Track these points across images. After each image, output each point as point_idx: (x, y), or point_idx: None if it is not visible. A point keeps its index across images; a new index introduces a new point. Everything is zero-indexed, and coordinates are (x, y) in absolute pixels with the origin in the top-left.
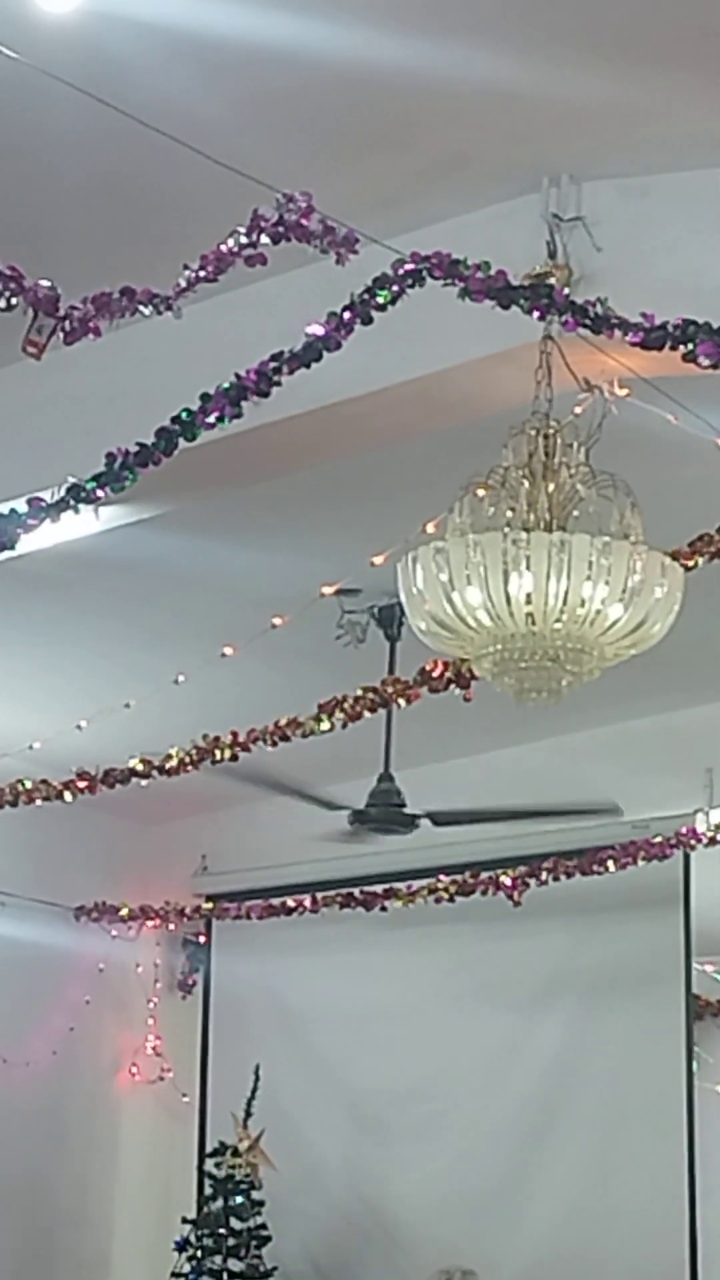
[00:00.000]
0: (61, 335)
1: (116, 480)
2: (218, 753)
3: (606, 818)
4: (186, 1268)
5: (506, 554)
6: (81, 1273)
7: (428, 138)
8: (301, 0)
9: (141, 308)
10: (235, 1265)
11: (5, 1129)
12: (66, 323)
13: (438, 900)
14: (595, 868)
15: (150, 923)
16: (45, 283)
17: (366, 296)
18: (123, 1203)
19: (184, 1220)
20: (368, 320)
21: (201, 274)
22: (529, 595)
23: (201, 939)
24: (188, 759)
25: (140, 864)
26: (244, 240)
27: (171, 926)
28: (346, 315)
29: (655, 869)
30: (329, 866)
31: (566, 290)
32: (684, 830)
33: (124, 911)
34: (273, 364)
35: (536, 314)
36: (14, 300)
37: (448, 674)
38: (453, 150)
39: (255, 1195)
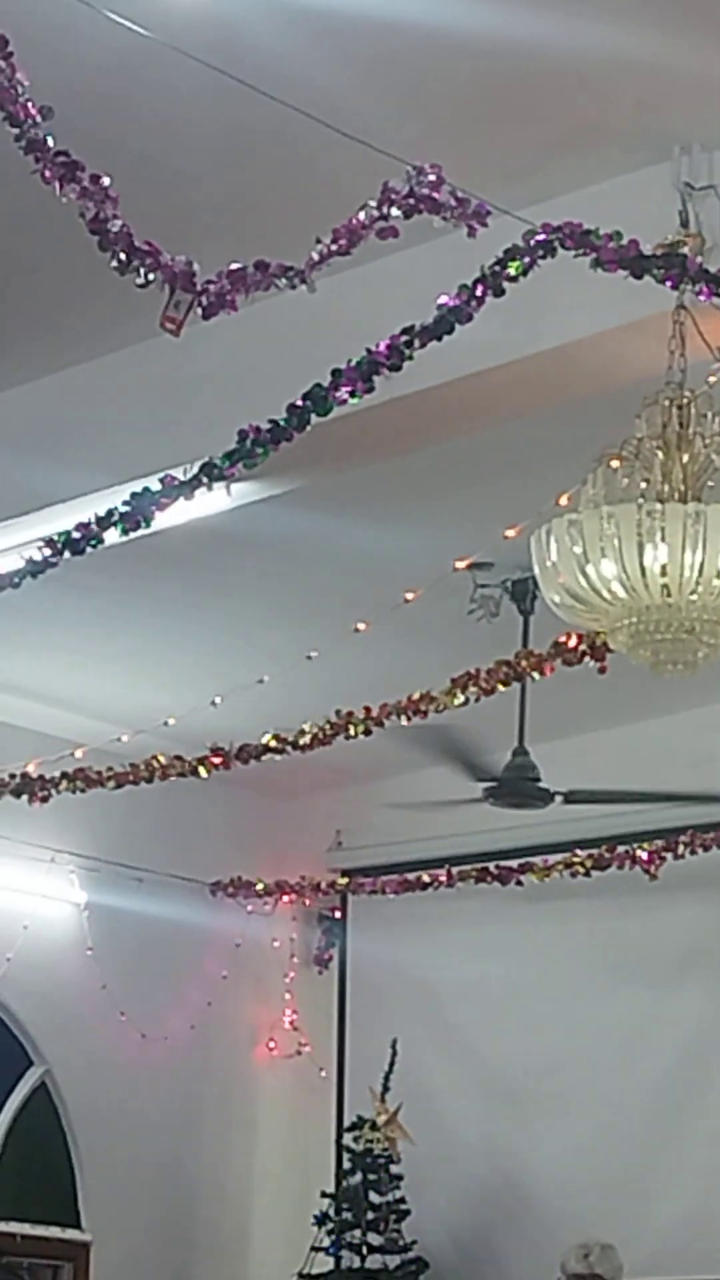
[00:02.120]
0: (199, 311)
1: (249, 457)
2: (351, 728)
3: None
4: (326, 1241)
5: (641, 526)
6: (221, 1247)
7: (557, 108)
8: None
9: (276, 281)
10: (374, 1239)
11: (144, 1103)
12: (203, 298)
13: (574, 874)
14: None
15: (286, 898)
16: (182, 258)
17: (498, 268)
18: (261, 1177)
19: (323, 1194)
20: (499, 292)
21: (334, 247)
22: (664, 567)
23: (337, 914)
24: (321, 734)
25: (275, 840)
26: (375, 213)
27: (307, 902)
28: (478, 287)
29: None
30: (464, 841)
31: (699, 259)
32: None
33: (260, 887)
34: (404, 337)
35: (669, 283)
36: (151, 276)
37: (582, 647)
38: (583, 120)
39: (393, 1169)
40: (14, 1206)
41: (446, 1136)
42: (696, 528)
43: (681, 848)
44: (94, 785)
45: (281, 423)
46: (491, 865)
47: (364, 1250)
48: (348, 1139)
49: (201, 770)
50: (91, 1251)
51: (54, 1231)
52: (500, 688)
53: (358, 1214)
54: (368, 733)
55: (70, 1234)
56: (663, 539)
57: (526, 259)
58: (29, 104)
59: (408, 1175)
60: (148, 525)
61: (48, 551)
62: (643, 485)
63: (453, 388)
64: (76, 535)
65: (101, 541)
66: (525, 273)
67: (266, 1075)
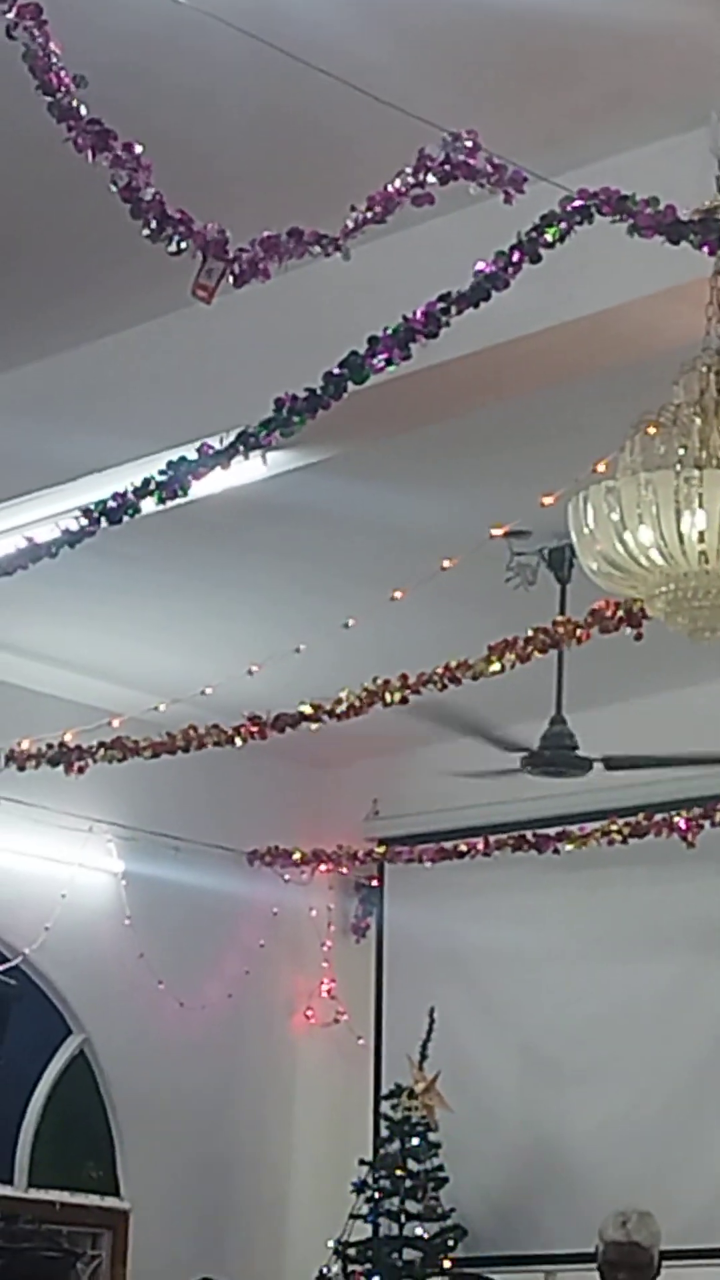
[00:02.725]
0: (231, 278)
1: (285, 426)
2: (388, 695)
3: None
4: (364, 1209)
5: (679, 492)
6: (259, 1215)
7: (594, 74)
8: None
9: (310, 249)
10: (413, 1206)
11: (183, 1072)
12: (236, 265)
13: (610, 843)
14: None
15: (323, 867)
16: (214, 226)
17: (534, 234)
18: (300, 1145)
19: (361, 1162)
20: (536, 258)
21: (369, 215)
22: (702, 533)
23: (374, 883)
24: (358, 702)
25: (312, 809)
26: (411, 180)
27: (344, 871)
28: (514, 254)
29: None
30: (501, 810)
31: None
32: None
33: (297, 856)
34: (440, 304)
35: (707, 249)
36: (183, 244)
37: (619, 614)
38: (619, 86)
39: (431, 1137)
40: (53, 1175)
41: (484, 1104)
42: None
43: (719, 815)
44: (131, 755)
45: (318, 391)
46: (529, 834)
47: (402, 1218)
48: (385, 1107)
49: (238, 739)
50: (130, 1219)
51: (93, 1200)
52: (537, 655)
53: (396, 1182)
54: (404, 701)
55: (109, 1202)
56: (700, 505)
57: (563, 225)
58: (62, 72)
59: (445, 1143)
60: (184, 494)
61: (84, 521)
62: (680, 452)
63: (490, 355)
64: (113, 504)
65: (138, 511)
66: (562, 239)
67: (304, 1044)
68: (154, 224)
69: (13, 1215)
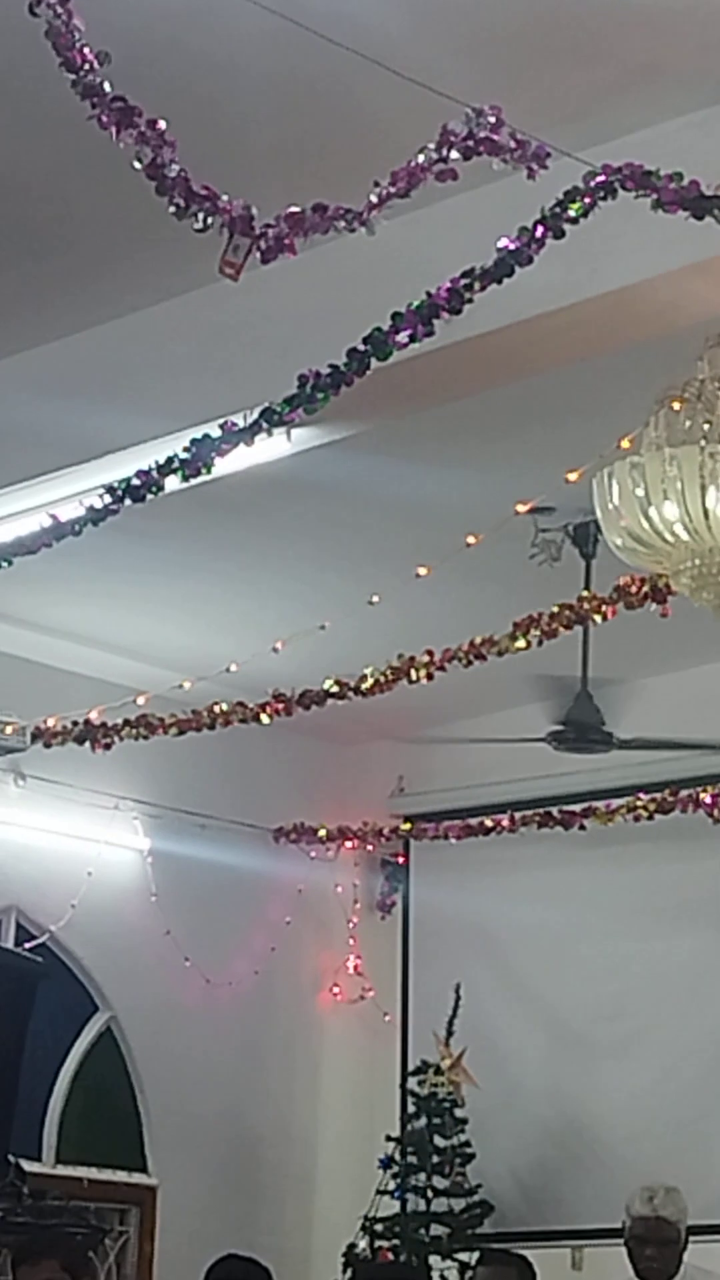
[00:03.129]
0: (258, 254)
1: (309, 402)
2: (413, 673)
3: None
4: (391, 1185)
5: (704, 467)
6: (287, 1190)
7: (618, 48)
8: None
9: (335, 225)
10: (439, 1182)
11: (209, 1048)
12: (262, 241)
13: (636, 818)
14: None
15: (348, 844)
16: (240, 202)
17: (558, 210)
18: (326, 1121)
19: (388, 1138)
20: (559, 234)
21: (392, 190)
22: None
23: (400, 860)
24: (383, 679)
25: (338, 785)
26: (434, 156)
27: (370, 848)
28: (538, 229)
29: None
30: (527, 786)
31: None
32: None
33: (322, 833)
34: (464, 280)
35: None
36: (209, 221)
37: (645, 590)
38: (644, 60)
39: (458, 1113)
40: (81, 1151)
41: (511, 1080)
42: None
43: None
44: (156, 732)
45: (341, 367)
46: (554, 810)
47: (429, 1194)
48: (412, 1083)
49: (264, 716)
50: (158, 1195)
51: (120, 1176)
52: (563, 631)
53: (422, 1158)
54: (430, 678)
55: (137, 1178)
56: None
57: (587, 200)
58: (86, 49)
59: (472, 1119)
60: (208, 472)
61: (108, 499)
62: (705, 427)
63: (513, 331)
64: (137, 482)
65: (162, 488)
66: (585, 214)
67: (331, 1020)
68: (180, 200)
69: (41, 1192)
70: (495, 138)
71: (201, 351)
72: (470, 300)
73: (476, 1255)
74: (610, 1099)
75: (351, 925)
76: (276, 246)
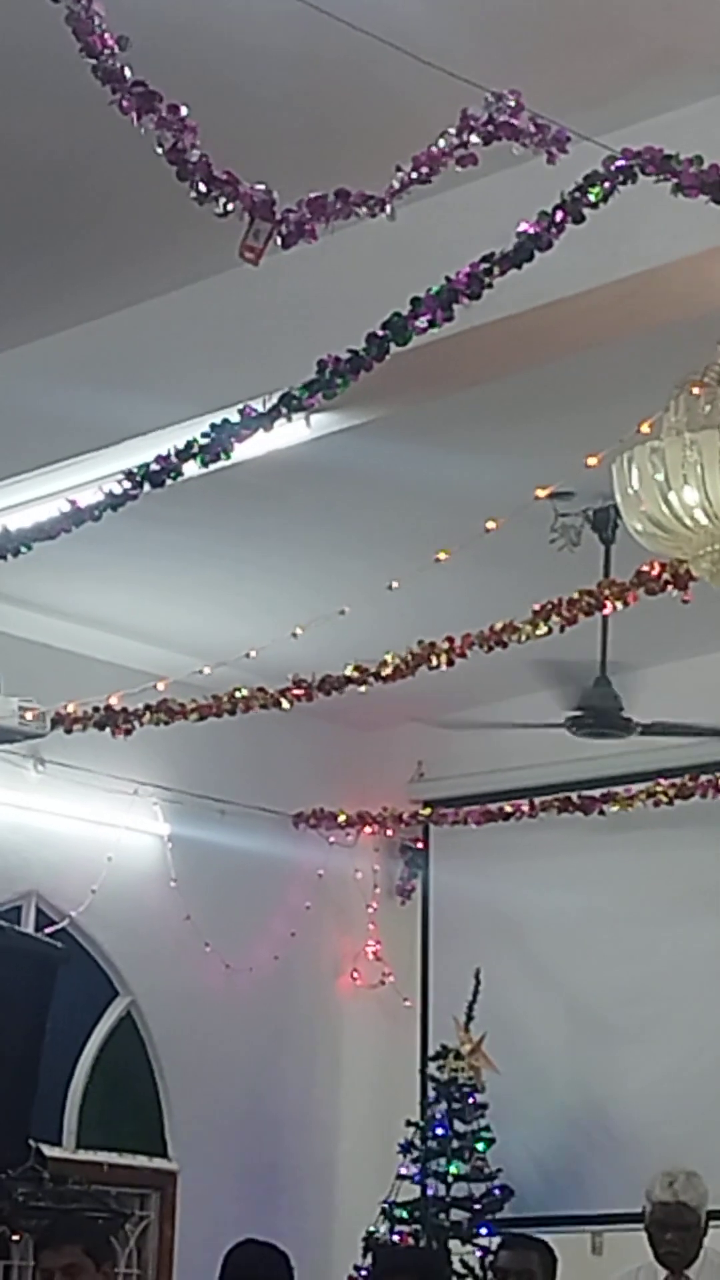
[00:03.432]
0: (279, 239)
1: (328, 388)
2: (433, 658)
3: None
4: (411, 1170)
5: None
6: (307, 1175)
7: (638, 32)
8: None
9: (355, 210)
10: (459, 1167)
11: (230, 1033)
12: (283, 227)
13: (656, 804)
14: None
15: (368, 829)
16: (261, 187)
17: (578, 194)
18: (347, 1106)
19: (408, 1123)
20: (579, 218)
21: (413, 175)
22: None
23: (419, 845)
24: (403, 665)
25: (357, 771)
26: (455, 140)
27: (389, 833)
28: (558, 214)
29: None
30: (546, 771)
31: None
32: None
33: (342, 818)
34: (484, 265)
35: None
36: (230, 206)
37: (665, 575)
38: (663, 45)
39: (478, 1098)
40: (101, 1136)
41: (531, 1065)
42: None
43: None
44: (176, 718)
45: (360, 352)
46: (574, 795)
47: (449, 1178)
48: (432, 1068)
49: (283, 702)
50: (178, 1180)
51: (141, 1161)
52: (582, 617)
53: (443, 1143)
54: (450, 663)
55: (157, 1163)
56: None
57: (607, 185)
58: (106, 34)
59: (492, 1104)
60: (227, 457)
61: (127, 484)
62: None
63: (532, 316)
64: (156, 468)
65: (181, 474)
66: (605, 199)
67: (350, 1005)
68: (201, 186)
69: (61, 1176)
70: (515, 122)
71: (221, 337)
72: (490, 285)
73: (498, 1240)
74: (630, 1084)
75: (371, 910)
76: (297, 231)
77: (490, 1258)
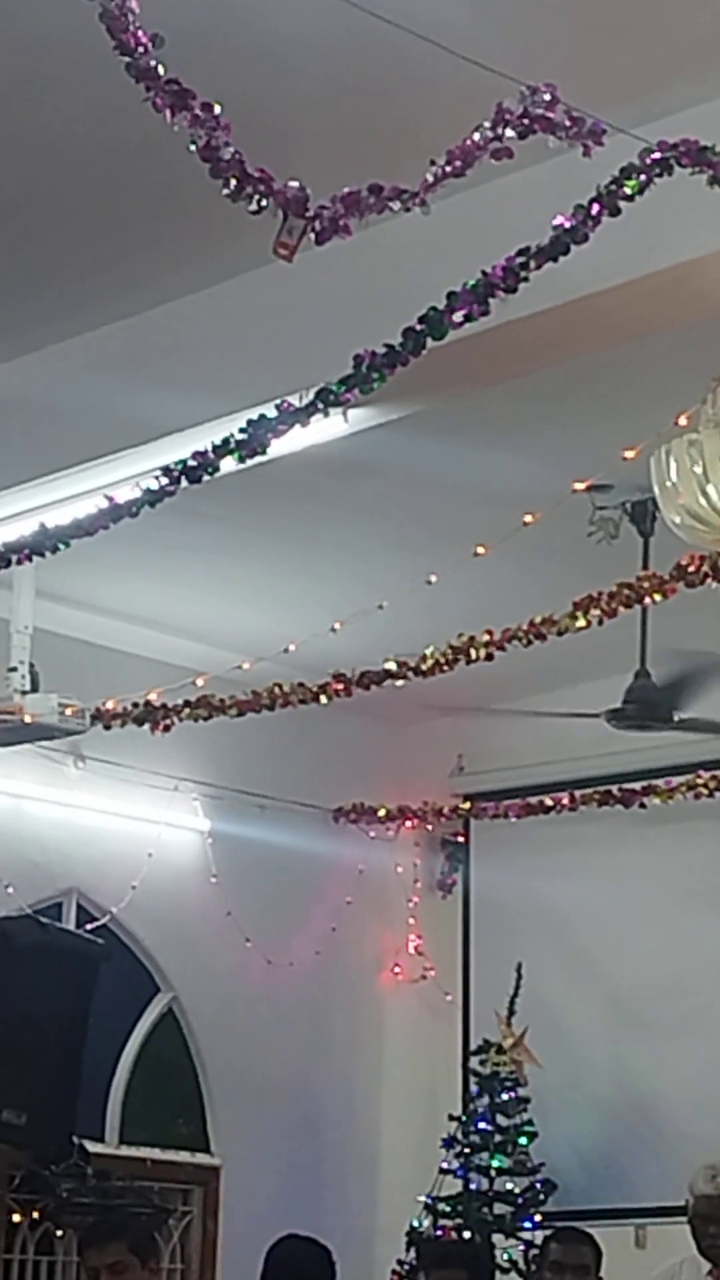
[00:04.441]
0: (313, 236)
1: (364, 382)
2: (472, 652)
3: None
4: (454, 1164)
5: None
6: (350, 1170)
7: (673, 24)
8: None
9: (390, 204)
10: (502, 1161)
11: (271, 1029)
12: (317, 223)
13: (697, 796)
14: None
15: (408, 824)
16: (294, 183)
17: (614, 187)
18: (389, 1100)
19: (450, 1117)
20: (615, 211)
21: (448, 169)
22: None
23: (460, 839)
24: (443, 659)
25: (397, 766)
26: (489, 134)
27: (429, 827)
28: (593, 207)
29: None
30: (587, 764)
31: None
32: None
33: (382, 813)
34: (520, 259)
35: None
36: (264, 202)
37: (704, 568)
38: (699, 36)
39: (521, 1092)
40: (144, 1132)
41: (573, 1059)
42: None
43: None
44: (216, 713)
45: (397, 347)
46: (614, 788)
47: (491, 1172)
48: (474, 1062)
49: (323, 697)
50: (221, 1176)
51: (184, 1156)
52: (621, 610)
53: (485, 1137)
54: (489, 657)
55: (200, 1159)
56: None
57: (643, 177)
58: (140, 32)
59: (535, 1098)
60: (264, 453)
61: (165, 480)
62: None
63: (569, 309)
64: (193, 464)
65: (218, 469)
66: (641, 191)
67: (392, 1000)
68: (234, 183)
69: (105, 1172)
70: (550, 115)
71: (257, 332)
72: (526, 279)
73: (547, 1233)
74: (672, 1077)
75: (412, 905)
76: (331, 227)
77: (534, 1251)
